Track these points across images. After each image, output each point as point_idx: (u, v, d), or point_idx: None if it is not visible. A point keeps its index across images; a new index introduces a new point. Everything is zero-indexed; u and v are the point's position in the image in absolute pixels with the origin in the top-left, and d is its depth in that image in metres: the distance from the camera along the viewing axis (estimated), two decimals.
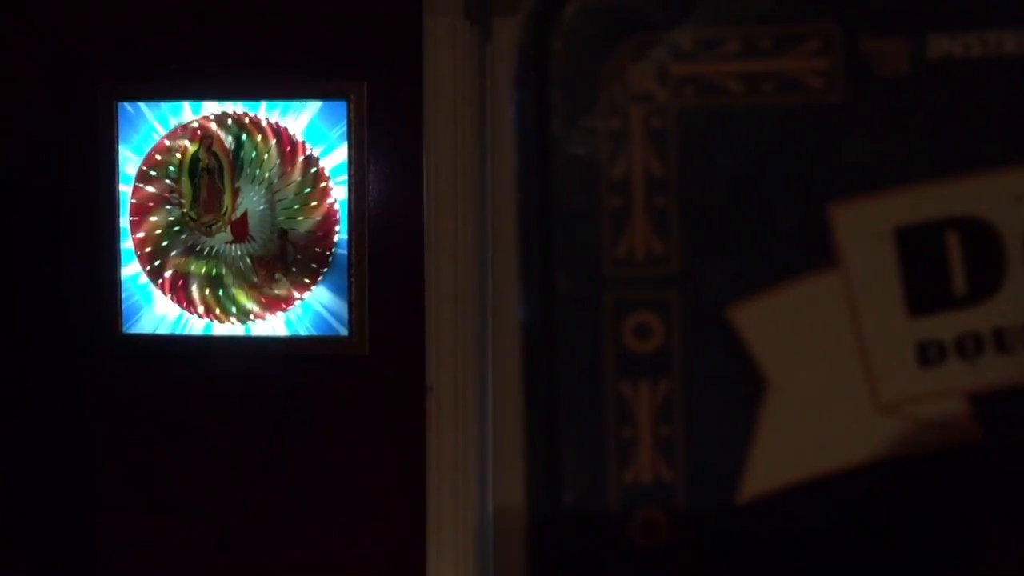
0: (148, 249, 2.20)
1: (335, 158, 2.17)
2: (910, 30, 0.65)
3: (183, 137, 2.19)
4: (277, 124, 2.19)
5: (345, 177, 2.17)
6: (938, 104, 0.66)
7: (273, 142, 2.16)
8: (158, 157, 2.17)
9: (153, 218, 2.19)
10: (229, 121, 2.21)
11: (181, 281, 2.17)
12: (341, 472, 2.19)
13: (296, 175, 2.17)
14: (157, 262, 2.18)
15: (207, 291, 2.18)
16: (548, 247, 0.73)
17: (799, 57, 0.65)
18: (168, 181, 2.17)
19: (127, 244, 2.24)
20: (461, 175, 2.19)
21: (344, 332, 2.14)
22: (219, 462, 2.18)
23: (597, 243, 0.71)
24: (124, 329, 2.19)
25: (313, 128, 2.17)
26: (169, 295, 2.16)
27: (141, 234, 2.20)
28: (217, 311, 2.17)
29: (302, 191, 2.17)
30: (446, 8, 2.13)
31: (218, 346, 2.18)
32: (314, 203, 2.16)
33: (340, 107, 2.16)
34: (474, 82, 2.17)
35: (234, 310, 2.17)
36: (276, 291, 2.15)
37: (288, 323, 2.16)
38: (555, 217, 0.72)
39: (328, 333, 2.15)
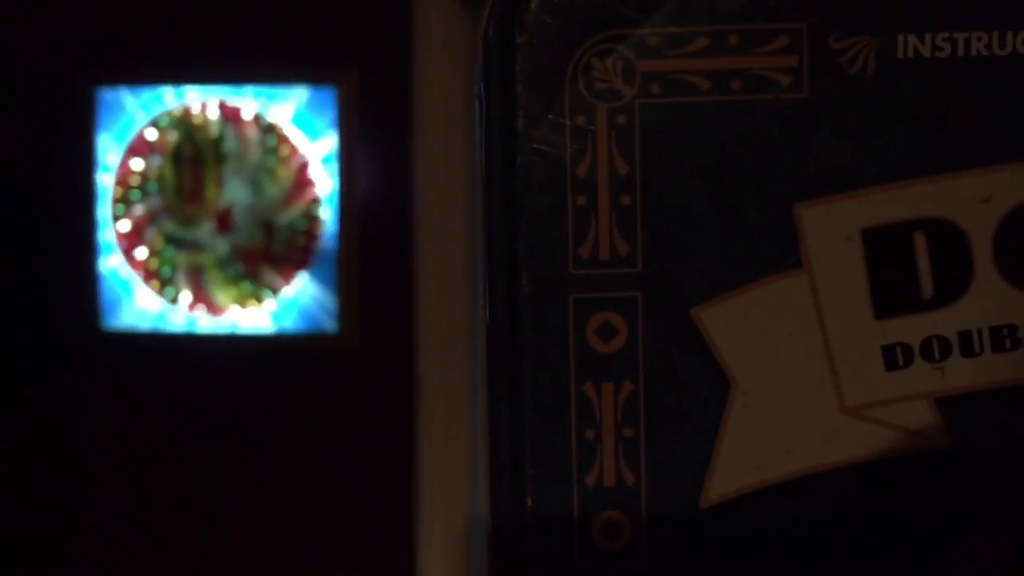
0: (122, 194, 2.13)
1: (323, 147, 2.16)
2: (879, 29, 0.64)
3: (167, 126, 2.17)
4: (262, 112, 2.17)
5: (334, 166, 2.16)
6: (907, 104, 0.65)
7: (259, 131, 2.15)
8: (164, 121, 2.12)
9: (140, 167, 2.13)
10: (214, 110, 2.19)
11: (131, 242, 2.12)
12: (329, 469, 2.18)
13: (282, 165, 2.15)
14: (122, 207, 2.14)
15: (155, 259, 2.13)
16: (512, 245, 0.71)
17: (767, 55, 0.65)
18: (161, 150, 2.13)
19: (107, 236, 2.22)
20: (453, 164, 2.18)
21: (333, 327, 2.13)
22: (203, 461, 2.17)
23: (562, 242, 0.69)
24: (104, 324, 2.18)
25: (301, 116, 2.16)
26: (121, 248, 2.11)
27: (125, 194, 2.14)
28: (156, 283, 2.12)
29: (289, 181, 2.16)
30: None
31: (202, 342, 2.18)
32: (301, 194, 2.15)
33: (328, 93, 2.14)
34: (467, 68, 2.17)
35: (172, 292, 2.13)
36: (217, 297, 2.12)
37: (275, 316, 2.15)
38: (519, 215, 0.71)
39: (316, 327, 2.15)
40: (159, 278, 2.13)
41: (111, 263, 2.13)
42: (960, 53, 0.64)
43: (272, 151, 2.10)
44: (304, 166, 2.10)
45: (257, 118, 2.10)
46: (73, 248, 2.14)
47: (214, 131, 2.10)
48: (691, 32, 0.66)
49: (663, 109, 0.67)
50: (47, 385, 2.16)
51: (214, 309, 2.12)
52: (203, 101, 2.10)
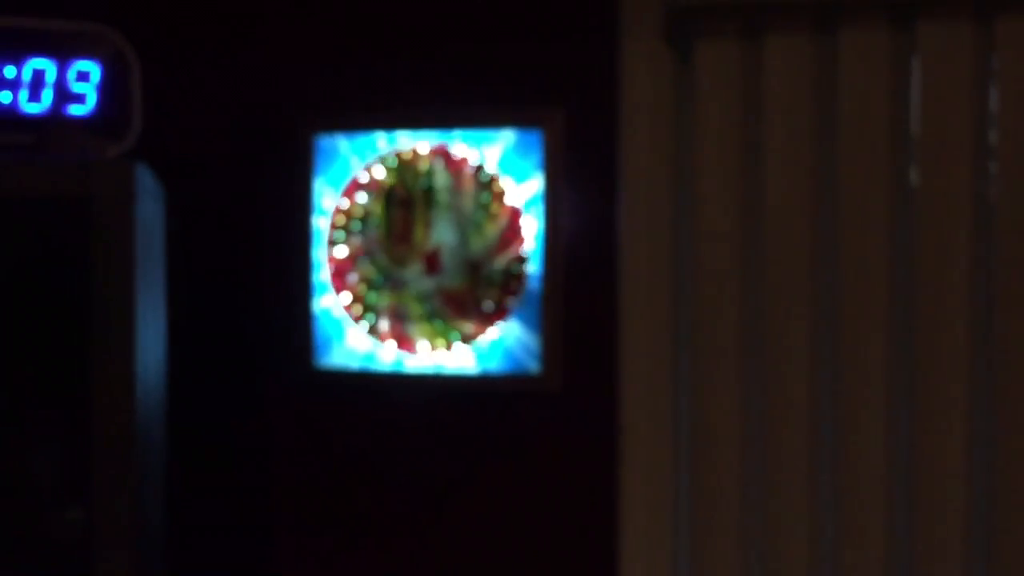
0: (335, 235, 2.18)
1: (529, 188, 2.15)
2: None
3: (379, 169, 2.22)
4: (471, 155, 2.19)
5: (539, 208, 2.15)
6: None
7: (467, 174, 2.16)
8: (363, 180, 2.18)
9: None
10: (424, 153, 2.23)
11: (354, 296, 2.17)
12: (531, 509, 2.15)
13: (492, 208, 2.16)
14: (335, 248, 2.19)
15: (364, 300, 2.17)
16: None
17: None
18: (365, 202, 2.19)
19: (320, 276, 2.28)
20: (657, 207, 2.14)
21: (536, 368, 2.11)
22: (407, 498, 2.18)
23: None
24: (317, 363, 2.23)
25: (508, 158, 2.17)
26: (333, 288, 2.16)
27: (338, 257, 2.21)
28: (364, 323, 2.15)
29: (495, 223, 2.16)
30: (645, 32, 2.09)
31: (408, 381, 2.19)
32: (507, 235, 2.15)
33: (535, 136, 2.14)
34: (673, 108, 2.12)
35: (379, 332, 2.16)
36: (422, 337, 2.13)
37: (480, 357, 2.15)
38: None
39: (519, 368, 2.13)
40: (367, 318, 2.17)
41: (324, 303, 2.19)
42: None
43: (482, 194, 2.11)
44: (513, 210, 2.10)
45: (467, 161, 2.12)
46: (289, 288, 2.21)
47: (424, 173, 2.13)
48: None
49: None
50: (262, 421, 2.23)
51: (420, 349, 2.14)
52: (414, 145, 2.14)
